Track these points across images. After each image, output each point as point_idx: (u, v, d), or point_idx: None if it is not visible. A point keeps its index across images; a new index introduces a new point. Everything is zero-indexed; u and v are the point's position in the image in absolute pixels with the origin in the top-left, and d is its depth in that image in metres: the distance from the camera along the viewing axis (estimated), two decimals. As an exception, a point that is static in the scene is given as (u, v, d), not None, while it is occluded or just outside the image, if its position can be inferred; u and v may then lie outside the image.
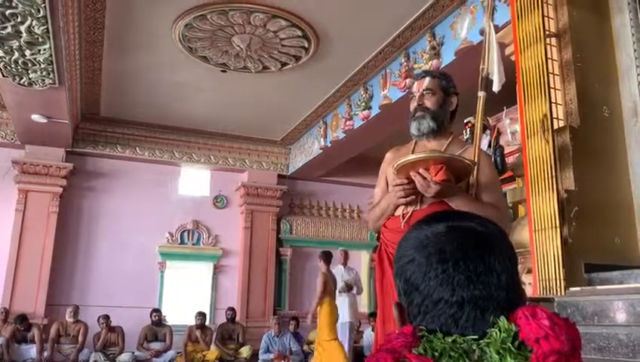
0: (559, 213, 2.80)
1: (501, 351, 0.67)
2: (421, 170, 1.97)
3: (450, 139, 2.23)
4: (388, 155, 2.37)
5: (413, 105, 2.27)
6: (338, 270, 7.76)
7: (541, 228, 2.87)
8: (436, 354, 0.68)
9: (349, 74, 7.14)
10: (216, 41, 6.28)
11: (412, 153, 2.20)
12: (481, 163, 2.13)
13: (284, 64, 6.82)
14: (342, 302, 7.37)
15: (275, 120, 9.00)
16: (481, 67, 2.56)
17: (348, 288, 7.44)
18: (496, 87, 2.69)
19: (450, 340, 0.71)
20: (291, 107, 8.41)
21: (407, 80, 6.21)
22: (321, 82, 7.44)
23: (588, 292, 2.61)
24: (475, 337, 0.70)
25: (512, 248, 0.79)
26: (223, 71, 7.03)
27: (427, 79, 2.27)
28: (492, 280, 0.74)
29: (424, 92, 2.24)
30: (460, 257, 0.74)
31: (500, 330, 0.69)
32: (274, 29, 5.99)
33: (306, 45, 6.34)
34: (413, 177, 1.99)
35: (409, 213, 2.09)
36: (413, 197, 2.06)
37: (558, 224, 2.79)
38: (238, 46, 6.25)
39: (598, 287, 2.63)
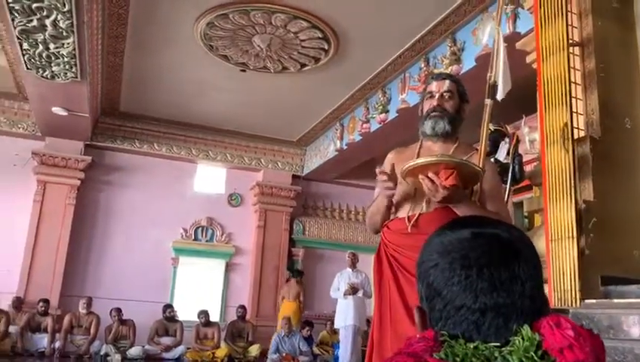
0: (577, 224, 2.76)
1: (524, 359, 0.67)
2: (430, 174, 1.93)
3: (456, 144, 2.21)
4: (389, 156, 2.33)
5: (430, 104, 2.23)
6: (346, 273, 7.77)
7: (558, 238, 2.84)
8: (457, 359, 0.68)
9: (367, 77, 7.13)
10: (237, 40, 6.31)
11: (417, 155, 2.18)
12: (485, 170, 2.10)
13: (303, 65, 6.84)
14: (346, 304, 7.37)
15: (291, 120, 9.03)
16: (488, 75, 2.53)
17: (353, 291, 7.44)
18: (500, 95, 2.65)
19: (472, 346, 0.70)
20: (308, 108, 8.43)
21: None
22: (340, 84, 7.44)
23: (604, 305, 2.58)
24: (498, 344, 0.70)
25: (537, 256, 0.78)
26: (242, 70, 7.07)
27: (448, 81, 2.25)
28: (516, 287, 0.73)
29: (444, 93, 2.21)
30: (485, 264, 0.74)
31: (523, 339, 0.69)
32: (294, 30, 6.01)
33: (326, 47, 6.35)
34: (421, 180, 1.95)
35: (415, 216, 2.07)
36: (394, 191, 2.04)
37: (575, 234, 2.76)
38: (259, 46, 6.29)
39: (615, 301, 2.60)
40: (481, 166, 2.08)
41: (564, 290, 2.74)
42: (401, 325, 1.99)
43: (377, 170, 2.09)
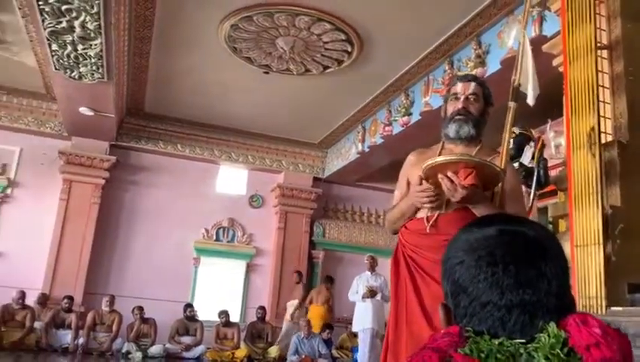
0: (603, 230, 2.72)
1: (549, 356, 0.66)
2: (450, 173, 1.91)
3: (479, 147, 2.17)
4: (410, 157, 2.32)
5: (455, 106, 2.20)
6: (365, 276, 7.75)
7: (583, 244, 2.79)
8: (482, 355, 0.68)
9: (390, 79, 7.11)
10: (261, 42, 6.36)
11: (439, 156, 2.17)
12: (507, 173, 2.07)
13: (325, 67, 6.86)
14: (364, 308, 7.35)
15: (313, 123, 9.05)
16: (512, 78, 2.50)
17: (371, 294, 7.41)
18: (531, 100, 2.61)
19: (496, 342, 0.70)
20: (330, 110, 8.44)
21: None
22: (362, 87, 7.44)
23: (630, 313, 2.53)
24: (523, 341, 0.70)
25: (563, 254, 0.78)
26: (265, 72, 7.12)
27: (474, 84, 2.21)
28: (542, 285, 0.73)
29: (470, 96, 2.18)
30: (511, 261, 0.74)
31: (549, 336, 0.68)
32: (318, 32, 6.02)
33: (349, 49, 6.36)
34: (440, 180, 1.93)
35: (434, 217, 2.05)
36: (438, 202, 2.01)
37: (601, 241, 2.71)
38: (282, 48, 6.32)
39: (642, 308, 2.55)
40: (502, 166, 2.06)
41: (590, 297, 2.70)
42: (417, 326, 1.98)
43: (418, 188, 2.04)
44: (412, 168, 2.20)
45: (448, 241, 2.01)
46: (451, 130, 2.17)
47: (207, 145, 9.78)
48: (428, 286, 1.99)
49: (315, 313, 8.73)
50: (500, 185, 2.05)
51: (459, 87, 2.22)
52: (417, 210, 2.13)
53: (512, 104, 2.38)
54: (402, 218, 2.18)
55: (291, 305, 8.94)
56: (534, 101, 2.62)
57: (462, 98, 2.18)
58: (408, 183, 2.23)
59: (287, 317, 8.86)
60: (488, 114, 2.23)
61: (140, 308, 8.33)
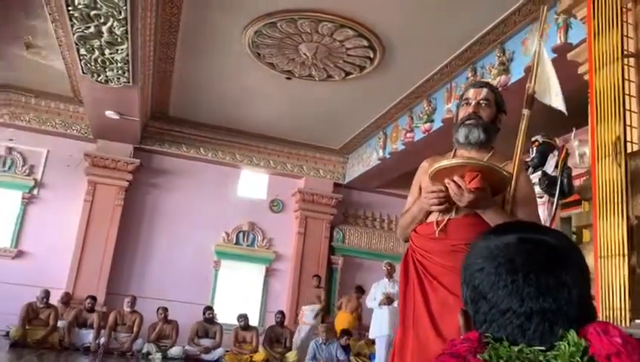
0: (628, 241, 2.67)
1: None
2: (456, 178, 1.90)
3: (491, 153, 2.15)
4: (424, 164, 2.31)
5: (466, 111, 2.20)
6: (382, 283, 7.72)
7: (607, 255, 2.75)
8: (501, 361, 0.68)
9: (412, 86, 7.10)
10: (284, 48, 6.41)
11: None
12: (520, 179, 2.05)
13: (348, 73, 6.88)
14: (381, 314, 7.33)
15: (334, 128, 9.07)
16: (527, 85, 2.48)
17: (388, 301, 7.38)
18: (562, 106, 2.58)
19: (516, 349, 0.70)
20: (352, 116, 8.45)
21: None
22: (384, 93, 7.43)
23: (655, 326, 2.48)
24: (542, 349, 0.70)
25: (584, 263, 0.78)
26: (287, 78, 7.16)
27: (485, 90, 2.22)
28: (563, 294, 0.73)
29: (481, 101, 2.18)
30: (531, 269, 0.74)
31: (568, 344, 0.68)
32: (340, 39, 6.05)
33: (372, 55, 6.37)
34: (447, 184, 1.93)
35: (444, 221, 2.03)
36: (447, 205, 2.00)
37: (626, 252, 2.67)
38: (305, 54, 6.36)
39: (667, 321, 2.50)
40: (515, 175, 2.03)
41: (613, 309, 2.65)
42: (423, 331, 1.97)
43: (428, 190, 2.04)
44: (425, 175, 2.19)
45: (456, 246, 2.00)
46: (461, 134, 2.16)
47: (230, 149, 9.87)
48: (435, 292, 1.98)
49: (343, 319, 8.75)
50: (511, 191, 2.02)
51: (470, 92, 2.22)
52: (428, 214, 2.12)
53: (525, 111, 2.37)
54: (413, 222, 2.17)
55: (310, 309, 8.92)
56: (565, 106, 2.59)
57: (473, 103, 2.18)
58: (420, 190, 2.21)
59: (304, 320, 8.85)
60: (500, 121, 2.21)
61: (165, 309, 8.42)
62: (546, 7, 2.63)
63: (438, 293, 1.96)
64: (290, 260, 10.03)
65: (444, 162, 1.94)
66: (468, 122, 2.15)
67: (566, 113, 2.56)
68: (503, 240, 0.79)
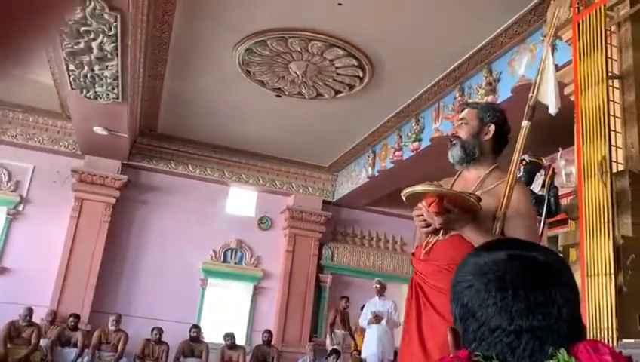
0: (614, 260, 2.69)
1: None
2: (420, 204, 2.04)
3: (488, 171, 2.20)
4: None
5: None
6: (373, 301, 7.69)
7: (594, 274, 2.77)
8: None
9: (401, 105, 7.16)
10: (274, 66, 6.44)
11: (452, 184, 2.26)
12: (514, 196, 2.08)
13: (337, 92, 6.92)
14: (371, 334, 7.30)
15: (324, 146, 9.09)
16: (530, 95, 2.52)
17: (376, 320, 7.35)
18: (553, 109, 2.64)
19: None
20: (341, 134, 8.48)
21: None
22: (373, 112, 7.48)
23: (642, 345, 2.49)
24: None
25: (574, 281, 0.78)
26: (277, 96, 7.19)
27: (465, 110, 2.31)
28: (552, 311, 0.73)
29: (458, 122, 2.29)
30: (520, 286, 0.74)
31: None
32: (330, 58, 6.10)
33: (361, 75, 6.42)
34: (419, 210, 2.06)
35: (431, 244, 2.11)
36: (434, 226, 2.07)
37: (612, 271, 2.69)
38: (295, 72, 6.39)
39: (654, 341, 2.50)
40: (507, 192, 2.08)
41: (601, 328, 2.66)
42: (415, 349, 2.02)
43: (413, 213, 2.14)
44: None
45: (441, 267, 2.07)
46: (448, 157, 2.29)
47: (218, 166, 9.84)
48: (426, 312, 2.04)
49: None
50: (502, 209, 2.06)
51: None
52: (428, 235, 2.18)
53: (525, 123, 2.40)
54: (420, 243, 2.25)
55: (339, 335, 8.62)
56: (557, 110, 2.63)
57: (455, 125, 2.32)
58: None
59: (329, 344, 8.55)
60: (487, 132, 2.22)
61: (160, 329, 8.29)
62: (555, 10, 2.69)
63: (428, 313, 2.03)
64: (279, 278, 9.95)
65: (407, 189, 2.06)
66: (449, 144, 2.29)
67: (553, 113, 2.59)
68: (492, 256, 0.79)
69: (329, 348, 8.34)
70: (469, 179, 2.22)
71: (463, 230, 2.02)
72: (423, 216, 2.06)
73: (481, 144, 2.21)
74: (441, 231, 2.08)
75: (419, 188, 2.02)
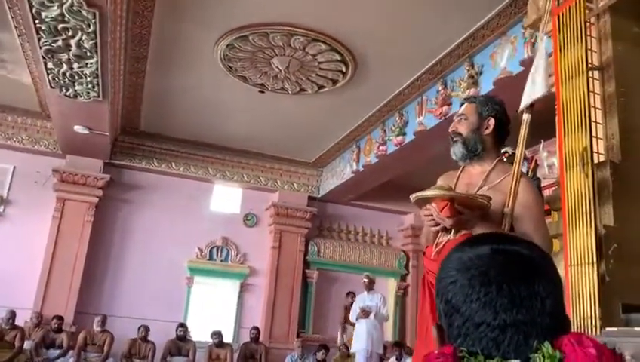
0: (597, 249, 2.72)
1: None
2: (429, 206, 2.02)
3: (493, 165, 2.21)
4: (438, 181, 2.35)
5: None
6: (361, 296, 7.71)
7: (577, 264, 2.79)
8: None
9: (384, 99, 7.16)
10: (256, 61, 6.40)
11: (457, 179, 2.25)
12: (519, 190, 2.07)
13: (320, 87, 6.90)
14: (360, 328, 7.32)
15: (308, 142, 9.07)
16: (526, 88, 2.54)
17: (365, 314, 7.38)
18: (540, 91, 2.65)
19: None
20: (325, 129, 8.47)
21: (443, 107, 6.21)
22: (357, 106, 7.48)
23: (625, 333, 2.52)
24: (518, 361, 0.69)
25: (557, 274, 0.78)
26: (260, 91, 7.15)
27: (464, 105, 2.31)
28: (536, 305, 0.72)
29: (457, 118, 2.28)
30: (504, 280, 0.73)
31: (543, 356, 0.68)
32: (313, 52, 6.07)
33: (344, 69, 6.41)
34: (428, 210, 2.05)
35: (442, 243, 2.09)
36: (444, 226, 2.06)
37: (595, 260, 2.71)
38: (277, 67, 6.36)
39: (637, 329, 2.54)
40: (512, 186, 2.08)
41: (584, 317, 2.68)
42: (422, 345, 2.08)
43: (422, 213, 2.13)
44: None
45: None
46: (451, 153, 2.28)
47: (202, 163, 9.77)
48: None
49: None
50: (510, 205, 2.06)
51: None
52: (437, 234, 2.17)
53: (526, 116, 2.41)
54: (427, 242, 2.25)
55: (350, 331, 8.51)
56: (546, 92, 2.64)
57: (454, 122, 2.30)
58: None
59: (339, 341, 8.61)
60: (488, 126, 2.22)
61: (147, 328, 8.24)
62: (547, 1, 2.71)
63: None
64: (265, 275, 9.93)
65: (417, 194, 2.05)
66: (451, 141, 2.27)
67: (544, 92, 2.61)
68: (476, 251, 0.78)
69: (339, 344, 8.45)
70: (474, 174, 2.22)
71: (473, 229, 2.03)
72: (432, 216, 2.04)
73: (482, 139, 2.21)
74: (453, 231, 2.08)
75: (429, 192, 2.01)
